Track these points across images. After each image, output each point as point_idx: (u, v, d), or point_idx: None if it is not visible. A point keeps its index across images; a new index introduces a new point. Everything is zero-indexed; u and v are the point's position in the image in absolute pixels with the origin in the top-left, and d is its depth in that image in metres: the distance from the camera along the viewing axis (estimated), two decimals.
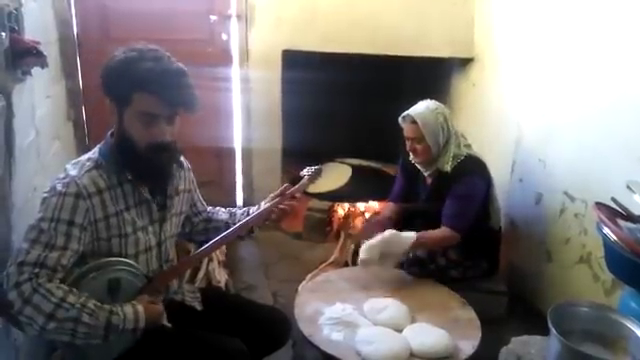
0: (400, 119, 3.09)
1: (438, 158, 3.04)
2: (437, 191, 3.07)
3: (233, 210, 2.43)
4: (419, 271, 2.96)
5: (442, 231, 2.93)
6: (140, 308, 1.82)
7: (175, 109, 1.88)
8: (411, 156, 3.13)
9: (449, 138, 3.02)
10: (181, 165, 2.19)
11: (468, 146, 3.12)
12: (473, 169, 3.00)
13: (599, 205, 2.25)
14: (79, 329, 1.66)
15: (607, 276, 2.77)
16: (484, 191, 3.02)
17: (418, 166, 3.15)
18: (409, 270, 2.97)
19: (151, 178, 1.98)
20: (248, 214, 2.34)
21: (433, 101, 3.09)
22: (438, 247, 3.00)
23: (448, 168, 2.99)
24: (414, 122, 3.00)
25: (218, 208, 2.45)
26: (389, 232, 2.80)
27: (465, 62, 4.45)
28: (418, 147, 3.04)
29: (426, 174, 3.16)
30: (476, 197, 2.98)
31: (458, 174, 2.97)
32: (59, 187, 1.78)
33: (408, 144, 3.10)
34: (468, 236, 2.95)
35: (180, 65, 1.89)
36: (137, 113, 1.84)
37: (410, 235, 2.82)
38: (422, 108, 3.03)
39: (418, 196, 3.26)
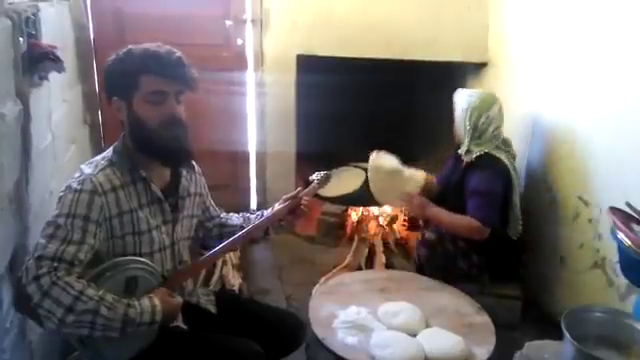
0: None
1: (460, 144, 3.26)
2: (462, 178, 3.21)
3: (247, 215, 2.44)
4: (426, 253, 3.12)
5: (469, 220, 3.00)
6: (157, 301, 1.83)
7: (181, 86, 1.94)
8: None
9: (470, 133, 3.18)
10: (192, 168, 2.23)
11: (498, 148, 3.20)
12: (488, 165, 3.11)
13: (613, 210, 2.24)
14: (97, 321, 1.68)
15: (621, 281, 2.75)
16: (500, 187, 3.10)
17: None
18: (418, 250, 3.18)
19: (170, 155, 2.00)
20: (262, 216, 2.35)
21: (481, 93, 3.26)
22: (460, 232, 3.07)
23: (465, 157, 3.21)
24: None
25: (232, 214, 2.47)
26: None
27: (479, 67, 4.44)
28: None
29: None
30: (493, 191, 3.06)
31: (474, 168, 3.15)
32: (74, 185, 1.82)
33: None
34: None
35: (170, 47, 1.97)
36: (146, 95, 1.90)
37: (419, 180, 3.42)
38: (469, 91, 3.29)
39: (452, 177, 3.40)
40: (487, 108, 3.15)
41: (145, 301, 1.81)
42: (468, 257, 3.18)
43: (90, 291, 1.69)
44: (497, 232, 3.09)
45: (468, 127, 3.17)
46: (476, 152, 3.15)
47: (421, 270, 3.20)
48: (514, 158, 3.29)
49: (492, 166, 3.11)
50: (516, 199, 3.20)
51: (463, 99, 3.21)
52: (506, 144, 3.28)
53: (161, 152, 1.96)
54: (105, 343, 1.78)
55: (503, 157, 3.15)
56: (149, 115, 1.91)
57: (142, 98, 1.90)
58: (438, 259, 3.12)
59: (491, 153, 3.14)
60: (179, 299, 1.97)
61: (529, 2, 3.76)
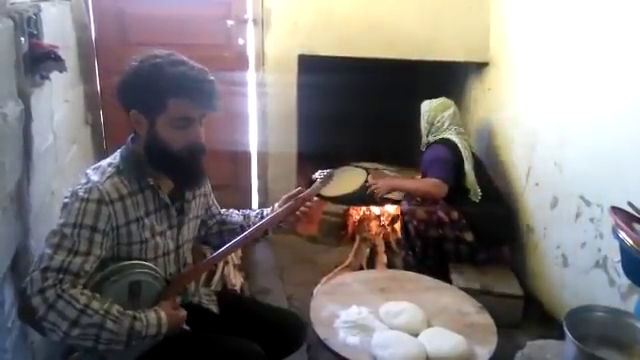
0: None
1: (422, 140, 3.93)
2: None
3: (247, 212, 2.42)
4: (408, 206, 3.65)
5: (429, 178, 3.57)
6: (163, 314, 1.82)
7: (208, 110, 1.90)
8: None
9: (427, 129, 3.86)
10: None
11: (451, 134, 3.75)
12: (436, 142, 3.75)
13: (615, 209, 2.24)
14: (102, 335, 1.67)
15: (623, 281, 2.74)
16: (450, 154, 3.61)
17: None
18: (402, 207, 3.75)
19: (191, 180, 2.00)
20: (262, 216, 2.33)
21: (439, 100, 3.90)
22: (423, 189, 3.62)
23: (423, 148, 3.88)
24: None
25: (232, 210, 2.45)
26: None
27: (480, 66, 4.45)
28: None
29: None
30: (444, 156, 3.61)
31: (427, 149, 3.81)
32: (81, 193, 1.77)
33: None
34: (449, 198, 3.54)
35: (200, 65, 1.90)
36: (173, 119, 1.84)
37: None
38: (432, 100, 3.90)
39: None
40: (442, 110, 3.83)
41: (151, 314, 1.80)
42: (448, 212, 3.57)
43: (95, 304, 1.67)
44: (460, 192, 3.59)
45: (426, 124, 3.84)
46: (432, 141, 3.79)
47: (407, 230, 3.72)
48: (469, 145, 3.80)
49: (440, 142, 3.72)
50: (468, 167, 3.61)
51: (426, 104, 3.90)
52: (461, 133, 3.80)
53: (178, 174, 1.95)
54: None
55: (453, 138, 3.70)
56: (173, 138, 1.86)
57: (168, 122, 1.84)
58: (418, 211, 3.59)
59: (444, 137, 3.74)
60: (184, 312, 1.96)
61: (530, 2, 3.76)
